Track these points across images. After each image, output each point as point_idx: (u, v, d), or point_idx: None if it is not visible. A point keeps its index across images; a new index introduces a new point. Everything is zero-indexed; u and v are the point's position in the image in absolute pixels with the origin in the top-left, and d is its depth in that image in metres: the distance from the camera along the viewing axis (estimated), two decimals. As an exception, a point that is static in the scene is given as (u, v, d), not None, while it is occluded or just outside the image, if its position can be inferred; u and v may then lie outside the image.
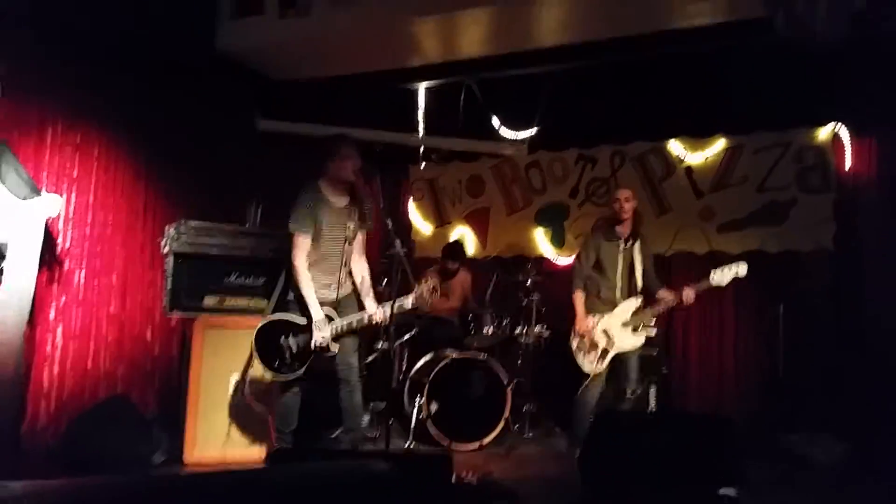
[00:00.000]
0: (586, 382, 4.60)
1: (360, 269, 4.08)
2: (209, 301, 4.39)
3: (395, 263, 3.83)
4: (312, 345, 3.81)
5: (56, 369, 4.37)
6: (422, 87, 6.92)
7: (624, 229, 4.72)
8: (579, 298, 4.70)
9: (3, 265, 3.85)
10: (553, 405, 5.36)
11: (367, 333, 4.10)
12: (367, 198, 4.03)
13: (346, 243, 3.97)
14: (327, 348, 3.82)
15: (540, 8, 4.78)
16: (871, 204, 5.41)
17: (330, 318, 3.85)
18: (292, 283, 3.92)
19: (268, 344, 3.86)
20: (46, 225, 4.13)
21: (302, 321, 3.87)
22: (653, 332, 4.67)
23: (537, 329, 5.50)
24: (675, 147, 6.07)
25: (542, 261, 6.46)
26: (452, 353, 5.09)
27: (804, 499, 3.88)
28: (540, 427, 5.45)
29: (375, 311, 3.89)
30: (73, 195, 4.54)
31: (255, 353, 3.86)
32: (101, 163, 4.72)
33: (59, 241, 4.44)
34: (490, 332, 5.44)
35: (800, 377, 5.18)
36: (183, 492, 2.07)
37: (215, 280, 4.43)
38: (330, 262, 3.94)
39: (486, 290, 5.89)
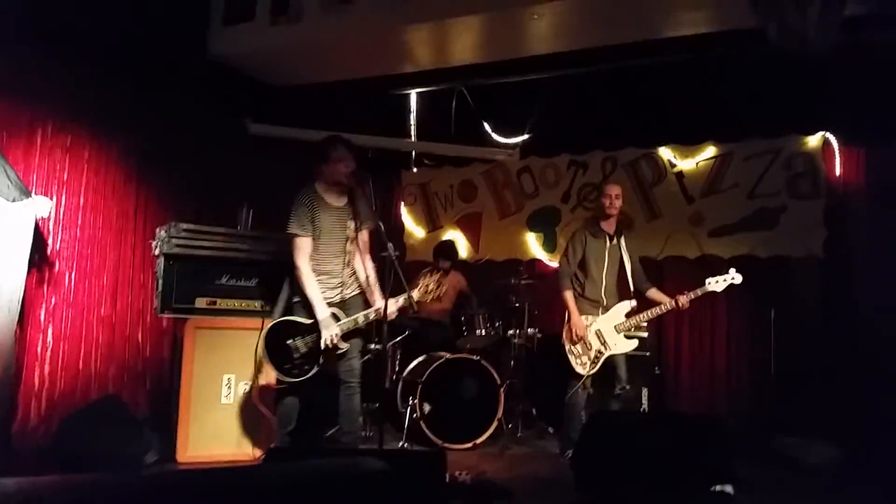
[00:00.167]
0: (578, 384, 4.61)
1: (365, 267, 4.03)
2: (200, 302, 4.38)
3: (387, 266, 3.81)
4: (322, 344, 3.77)
5: (47, 370, 4.35)
6: (414, 93, 6.97)
7: (609, 226, 4.71)
8: (570, 298, 4.66)
9: (-7, 266, 3.84)
10: (545, 406, 5.37)
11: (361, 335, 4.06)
12: (365, 196, 4.02)
13: (348, 242, 3.96)
14: (337, 347, 3.80)
15: (531, 16, 4.80)
16: (861, 210, 5.47)
17: (337, 318, 3.83)
18: (296, 286, 3.89)
19: (277, 347, 3.82)
20: (37, 227, 4.11)
21: (309, 322, 3.85)
22: (645, 334, 4.70)
23: (530, 331, 5.52)
24: (665, 153, 6.12)
25: (534, 263, 6.49)
26: (445, 355, 5.10)
27: (795, 501, 3.89)
28: (532, 427, 5.45)
29: (382, 307, 3.82)
30: (64, 197, 4.53)
31: (265, 357, 3.82)
32: (91, 165, 4.72)
33: (50, 242, 4.43)
34: (483, 333, 5.45)
35: (791, 380, 5.21)
36: (178, 488, 2.06)
37: (207, 282, 4.41)
38: (333, 262, 3.92)
39: (479, 292, 5.91)
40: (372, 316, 3.87)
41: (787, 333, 5.28)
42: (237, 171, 5.62)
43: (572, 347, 4.63)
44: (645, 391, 5.25)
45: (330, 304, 3.84)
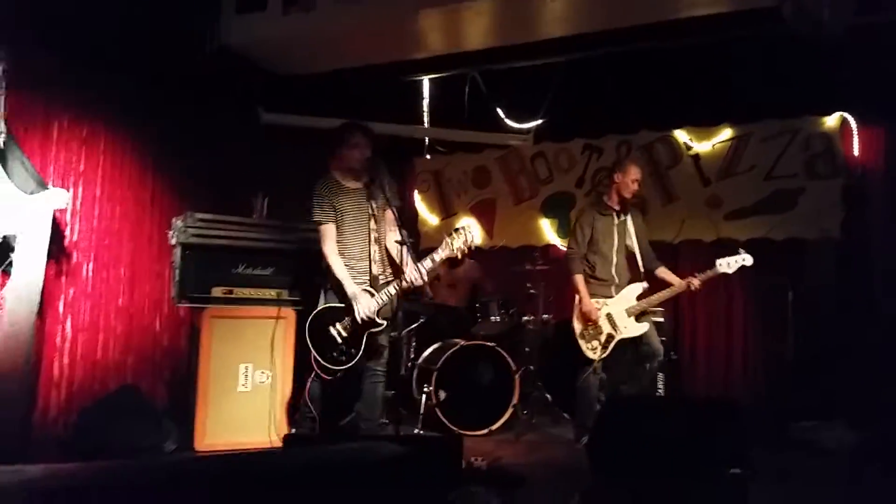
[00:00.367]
0: (589, 370, 4.59)
1: (395, 243, 4.00)
2: (217, 292, 4.41)
3: (400, 252, 3.82)
4: (358, 318, 3.78)
5: (66, 360, 4.39)
6: (426, 79, 6.94)
7: (614, 202, 4.67)
8: (581, 281, 4.60)
9: (12, 258, 3.88)
10: (561, 392, 5.36)
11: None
12: (386, 174, 4.00)
13: (373, 222, 3.96)
14: (374, 321, 3.81)
15: (544, 1, 4.76)
16: (879, 190, 5.41)
17: (371, 294, 3.84)
18: (328, 272, 3.91)
19: (319, 337, 3.85)
20: (54, 218, 4.15)
21: (344, 305, 3.86)
22: (661, 319, 4.67)
23: (545, 317, 5.52)
24: (681, 136, 6.06)
25: (548, 249, 6.47)
26: (460, 342, 5.10)
27: (812, 485, 3.87)
28: (548, 414, 5.45)
29: (413, 274, 3.77)
30: (80, 188, 4.55)
31: (312, 349, 3.84)
32: (107, 156, 4.74)
33: (67, 234, 4.46)
34: (497, 320, 5.45)
35: (808, 364, 5.17)
36: (200, 474, 2.09)
37: (223, 271, 4.44)
38: (360, 246, 3.94)
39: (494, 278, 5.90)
40: (405, 284, 3.81)
41: (805, 316, 5.24)
42: (251, 161, 5.63)
43: (583, 332, 4.60)
44: (661, 376, 5.22)
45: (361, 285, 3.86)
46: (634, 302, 4.57)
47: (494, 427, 5.02)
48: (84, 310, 4.53)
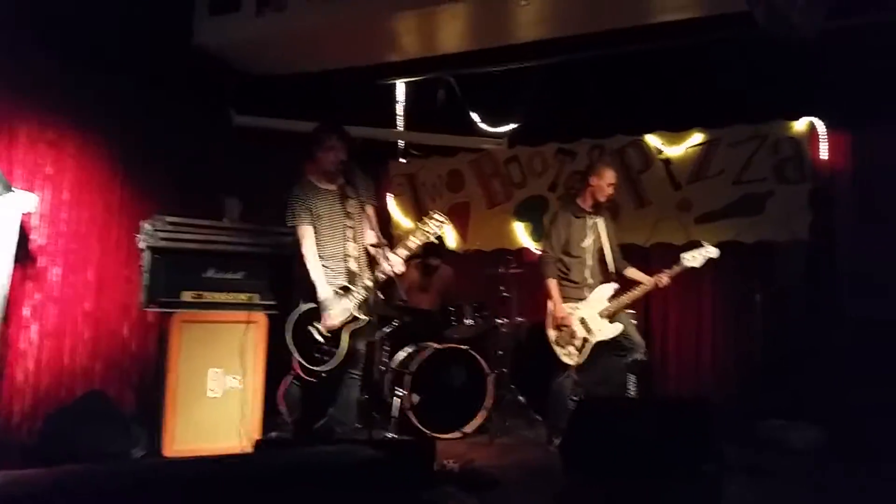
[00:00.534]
0: (565, 374, 4.60)
1: (371, 239, 4.03)
2: (187, 296, 4.35)
3: (376, 255, 3.82)
4: (323, 329, 3.81)
5: (31, 366, 4.31)
6: (401, 83, 6.93)
7: (587, 205, 4.69)
8: (554, 286, 4.61)
9: (-24, 262, 3.80)
10: (534, 394, 5.37)
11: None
12: (360, 174, 4.01)
13: (348, 220, 3.97)
14: (354, 318, 3.82)
15: (518, 2, 4.78)
16: (846, 194, 5.50)
17: (347, 289, 3.84)
18: (304, 274, 3.91)
19: (301, 339, 3.86)
20: (21, 222, 4.07)
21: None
22: (634, 322, 4.71)
23: (518, 320, 5.53)
24: (653, 140, 6.12)
25: (522, 252, 6.49)
26: (433, 345, 5.09)
27: (779, 484, 3.92)
28: (521, 416, 5.45)
29: (392, 260, 3.81)
30: (47, 192, 4.47)
31: (294, 352, 3.84)
32: (74, 159, 4.66)
33: (34, 237, 4.38)
34: (471, 323, 5.46)
35: (776, 364, 5.24)
36: (171, 478, 2.06)
37: (193, 275, 4.38)
38: (337, 246, 3.96)
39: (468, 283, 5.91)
40: (382, 274, 3.83)
41: (773, 318, 5.31)
42: (222, 163, 5.57)
43: (558, 338, 4.61)
44: (632, 378, 5.25)
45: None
46: (606, 303, 4.59)
47: (468, 430, 5.02)
48: (51, 315, 4.45)
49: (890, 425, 4.30)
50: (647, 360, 4.56)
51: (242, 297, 4.47)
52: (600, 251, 4.70)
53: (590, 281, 4.63)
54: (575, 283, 4.64)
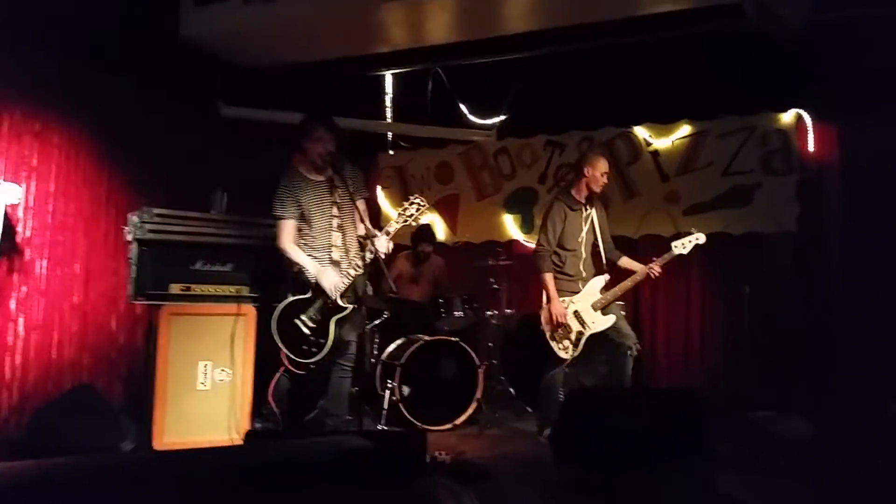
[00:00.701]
0: (560, 367, 4.61)
1: (361, 231, 4.00)
2: (175, 288, 4.32)
3: (362, 244, 3.81)
4: (330, 294, 3.79)
5: (18, 360, 4.28)
6: (389, 74, 6.91)
7: (581, 196, 4.68)
8: (550, 280, 4.58)
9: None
10: (524, 386, 5.39)
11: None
12: (349, 165, 3.99)
13: (335, 209, 3.95)
14: (338, 306, 3.82)
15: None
16: (833, 186, 5.53)
17: (336, 264, 3.84)
18: (287, 266, 3.90)
19: (287, 331, 3.82)
20: (6, 214, 4.03)
21: (307, 295, 3.85)
22: (623, 312, 4.73)
23: (508, 311, 5.53)
24: (641, 132, 6.14)
25: (511, 244, 6.49)
26: (424, 337, 5.10)
27: (768, 476, 3.94)
28: (511, 407, 5.47)
29: (380, 241, 3.82)
30: (33, 184, 4.43)
31: (280, 345, 3.81)
32: (61, 151, 4.63)
33: (20, 230, 4.34)
34: (461, 315, 5.46)
35: (765, 355, 5.28)
36: (162, 470, 2.04)
37: (181, 267, 4.34)
38: (325, 237, 3.93)
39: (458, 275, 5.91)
40: (370, 257, 3.80)
41: (761, 309, 5.34)
42: (210, 155, 5.54)
43: (553, 333, 4.58)
44: (624, 369, 5.26)
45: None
46: (599, 295, 4.59)
47: (458, 421, 5.04)
48: (37, 308, 4.42)
49: (878, 416, 4.33)
50: (637, 352, 4.54)
51: (231, 290, 4.44)
52: (594, 244, 4.71)
53: (584, 274, 4.63)
54: (570, 276, 4.63)
